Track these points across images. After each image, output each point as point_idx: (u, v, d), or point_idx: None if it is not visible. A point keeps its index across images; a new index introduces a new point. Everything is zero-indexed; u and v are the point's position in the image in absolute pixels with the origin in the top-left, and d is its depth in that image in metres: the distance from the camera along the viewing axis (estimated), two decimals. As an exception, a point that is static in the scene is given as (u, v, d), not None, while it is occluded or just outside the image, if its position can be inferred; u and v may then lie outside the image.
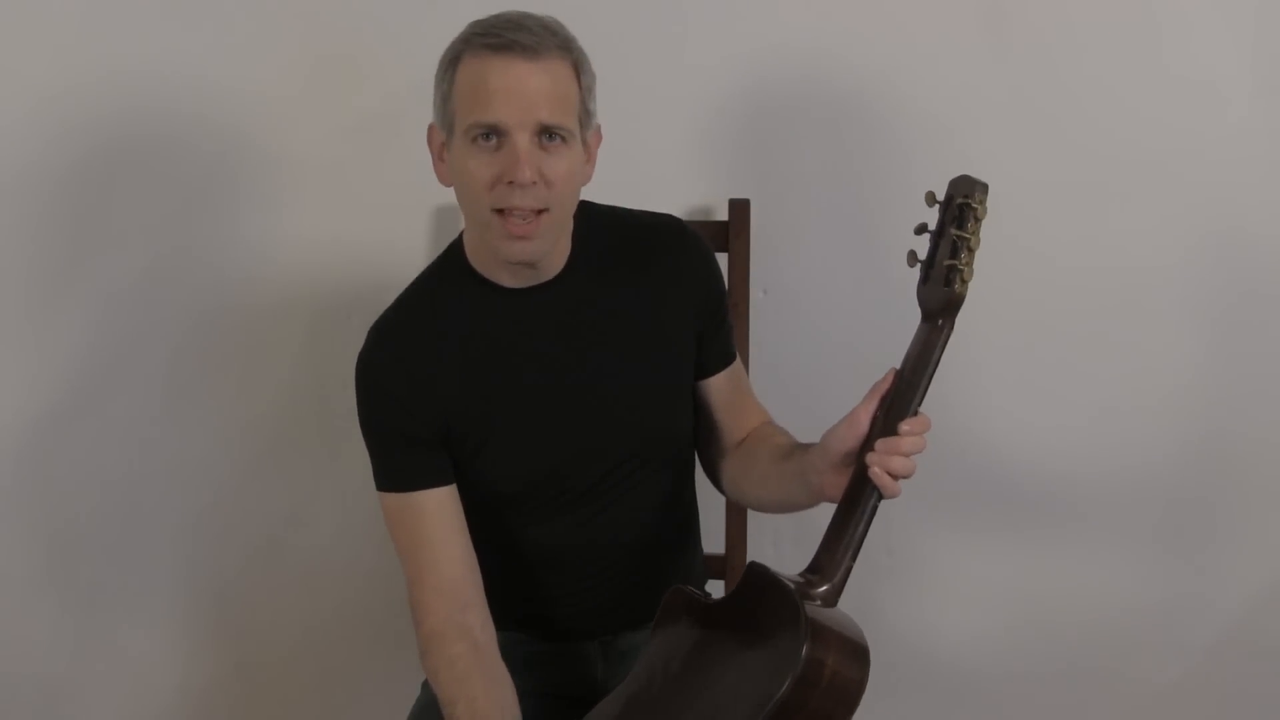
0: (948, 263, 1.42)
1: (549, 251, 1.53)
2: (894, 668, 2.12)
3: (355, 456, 1.87)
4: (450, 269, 1.60)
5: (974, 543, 2.09)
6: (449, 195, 1.97)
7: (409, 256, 2.01)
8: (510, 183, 1.44)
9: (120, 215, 2.03)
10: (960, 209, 1.44)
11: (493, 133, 1.45)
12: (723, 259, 1.93)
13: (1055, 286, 2.00)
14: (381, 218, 2.02)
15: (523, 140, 1.43)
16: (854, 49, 1.96)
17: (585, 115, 1.51)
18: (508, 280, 1.56)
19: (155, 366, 2.05)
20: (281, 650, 2.14)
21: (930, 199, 1.45)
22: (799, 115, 1.99)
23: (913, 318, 2.03)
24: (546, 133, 1.45)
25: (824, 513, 1.94)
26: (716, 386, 1.67)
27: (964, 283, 1.43)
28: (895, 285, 2.03)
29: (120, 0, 1.97)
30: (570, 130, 1.47)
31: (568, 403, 1.57)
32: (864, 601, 2.12)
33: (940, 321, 1.43)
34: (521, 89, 1.43)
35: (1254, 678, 2.08)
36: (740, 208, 1.94)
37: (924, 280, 1.45)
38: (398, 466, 1.57)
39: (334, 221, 2.02)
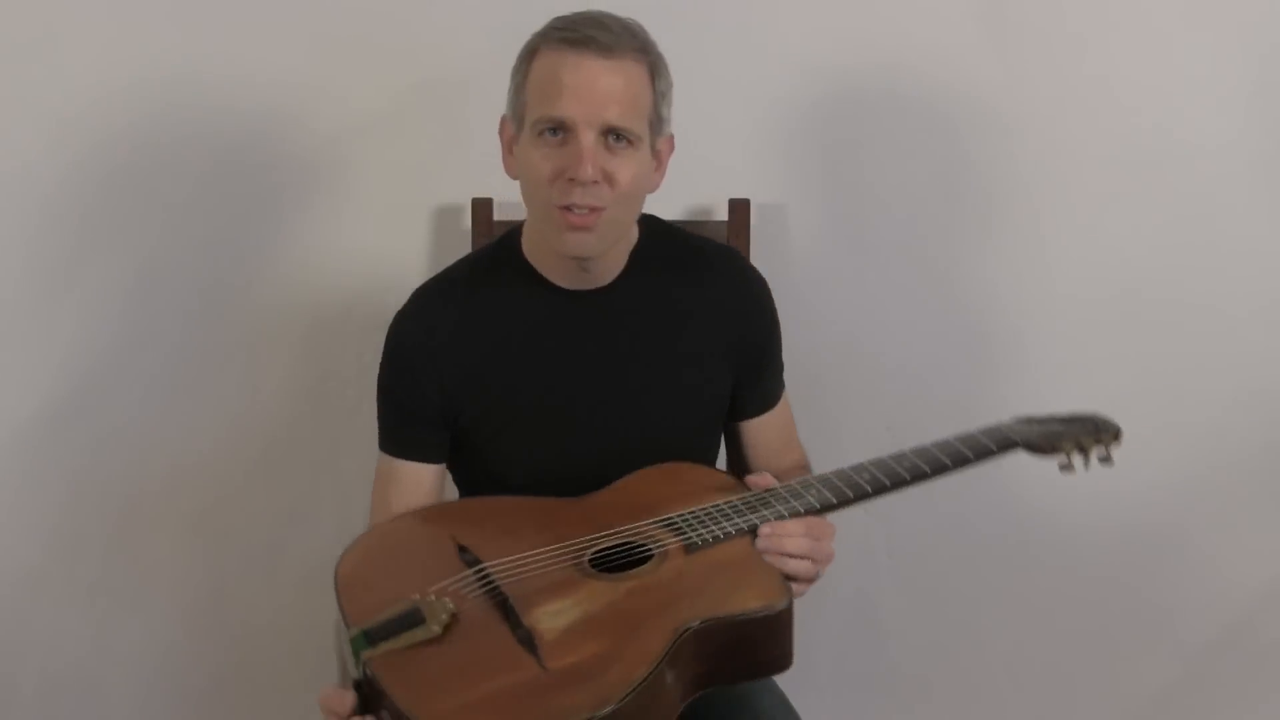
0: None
1: (605, 251, 1.53)
2: (894, 667, 2.13)
3: (355, 456, 1.87)
4: (503, 254, 1.60)
5: (973, 543, 2.09)
6: (449, 195, 2.00)
7: (409, 256, 2.01)
8: (572, 179, 1.44)
9: (120, 215, 2.03)
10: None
11: (559, 128, 1.44)
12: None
13: (1055, 287, 2.00)
14: (381, 218, 2.02)
15: (588, 138, 1.43)
16: (854, 49, 1.96)
17: (656, 121, 1.50)
18: (559, 279, 1.57)
19: (155, 366, 2.05)
20: (281, 650, 2.14)
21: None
22: (799, 115, 1.99)
23: (912, 318, 2.04)
24: (613, 133, 1.45)
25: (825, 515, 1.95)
26: (749, 429, 1.68)
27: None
28: (895, 285, 2.04)
29: (121, 5, 1.97)
30: (638, 134, 1.47)
31: (591, 410, 1.57)
32: (864, 602, 2.14)
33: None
34: (592, 86, 1.43)
35: (1254, 678, 2.09)
36: (740, 208, 1.94)
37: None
38: (392, 430, 1.60)
39: (334, 221, 2.02)
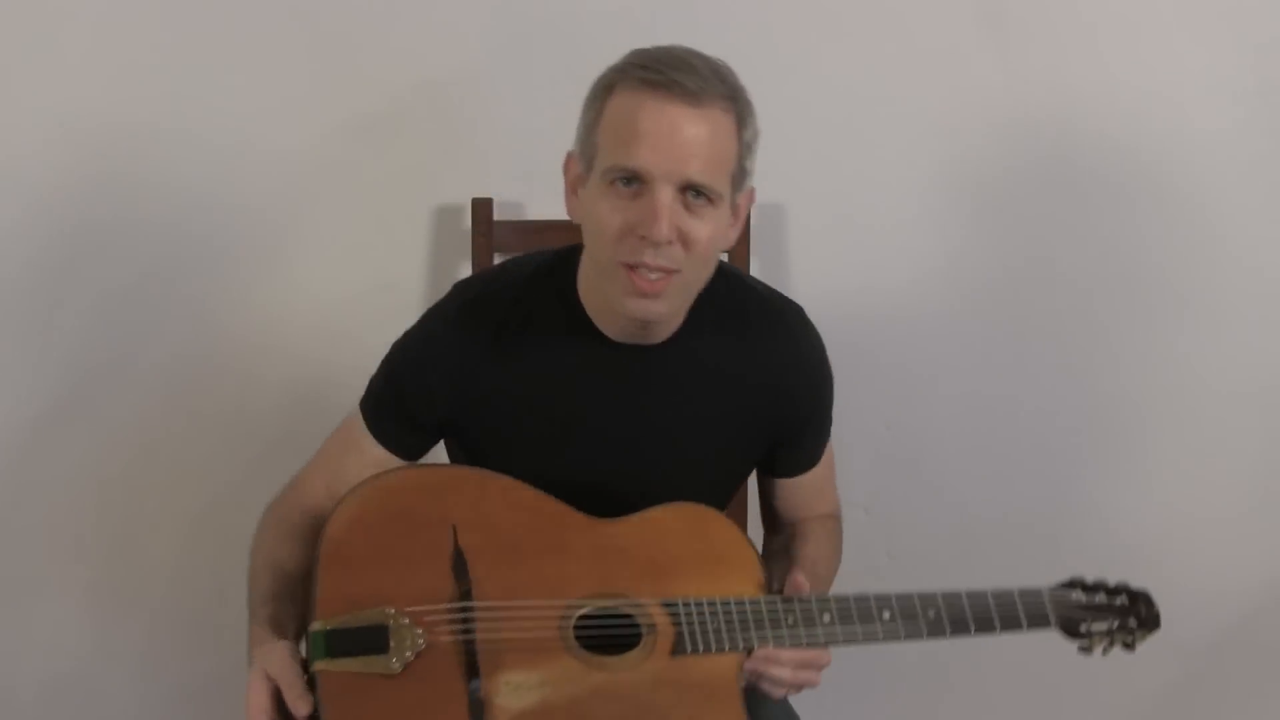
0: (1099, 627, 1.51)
1: (674, 315, 1.42)
2: (895, 667, 2.13)
3: (355, 457, 1.86)
4: (558, 286, 1.47)
5: (973, 544, 2.09)
6: (449, 195, 1.99)
7: (409, 256, 2.01)
8: (643, 237, 1.31)
9: (121, 215, 2.02)
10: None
11: (634, 179, 1.31)
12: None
13: (1055, 286, 2.00)
14: (381, 218, 2.01)
15: (665, 194, 1.30)
16: (854, 49, 1.96)
17: (740, 175, 1.37)
18: (611, 330, 1.44)
19: (155, 366, 2.05)
20: (281, 650, 2.14)
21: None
22: (799, 115, 2.00)
23: (911, 318, 2.04)
24: (693, 190, 1.32)
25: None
26: (780, 482, 1.60)
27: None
28: (894, 285, 2.04)
29: (121, 2, 1.97)
30: (720, 192, 1.33)
31: (612, 460, 1.48)
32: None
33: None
34: (674, 137, 1.29)
35: (1254, 678, 2.09)
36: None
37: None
38: (380, 410, 1.51)
39: (334, 221, 2.02)
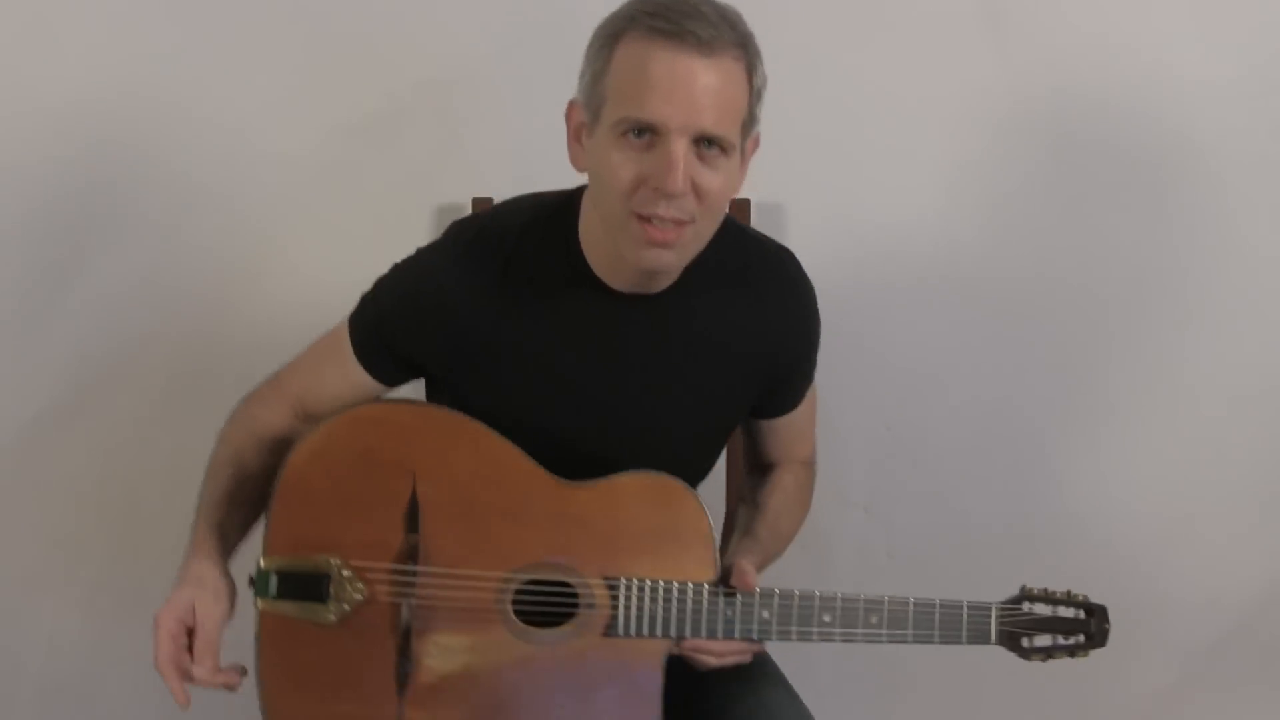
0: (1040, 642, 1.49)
1: (684, 264, 1.41)
2: (895, 667, 2.13)
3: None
4: (559, 234, 1.45)
5: (973, 543, 2.09)
6: (449, 195, 1.99)
7: (409, 257, 2.01)
8: (657, 189, 1.29)
9: (121, 215, 2.03)
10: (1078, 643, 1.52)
11: (646, 130, 1.29)
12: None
13: (1055, 286, 2.00)
14: (381, 218, 2.01)
15: (679, 146, 1.28)
16: (854, 49, 1.96)
17: (750, 122, 1.35)
18: (612, 280, 1.43)
19: (155, 366, 2.05)
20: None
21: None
22: (799, 115, 1.99)
23: (912, 318, 2.04)
24: (706, 140, 1.30)
25: (825, 516, 1.95)
26: (763, 424, 1.61)
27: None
28: (894, 285, 2.04)
29: (121, 2, 1.97)
30: (733, 142, 1.32)
31: (604, 407, 1.48)
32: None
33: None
34: (688, 88, 1.27)
35: (1254, 678, 2.09)
36: (740, 208, 1.94)
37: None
38: (368, 334, 1.52)
39: (334, 221, 2.02)
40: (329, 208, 2.01)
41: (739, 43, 1.31)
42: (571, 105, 1.39)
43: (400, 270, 1.52)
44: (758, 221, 1.95)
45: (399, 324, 1.49)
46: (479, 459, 1.43)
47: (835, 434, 2.02)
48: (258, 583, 1.39)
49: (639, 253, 1.34)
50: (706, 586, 1.42)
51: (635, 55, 1.29)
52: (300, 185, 2.02)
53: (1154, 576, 2.07)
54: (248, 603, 1.43)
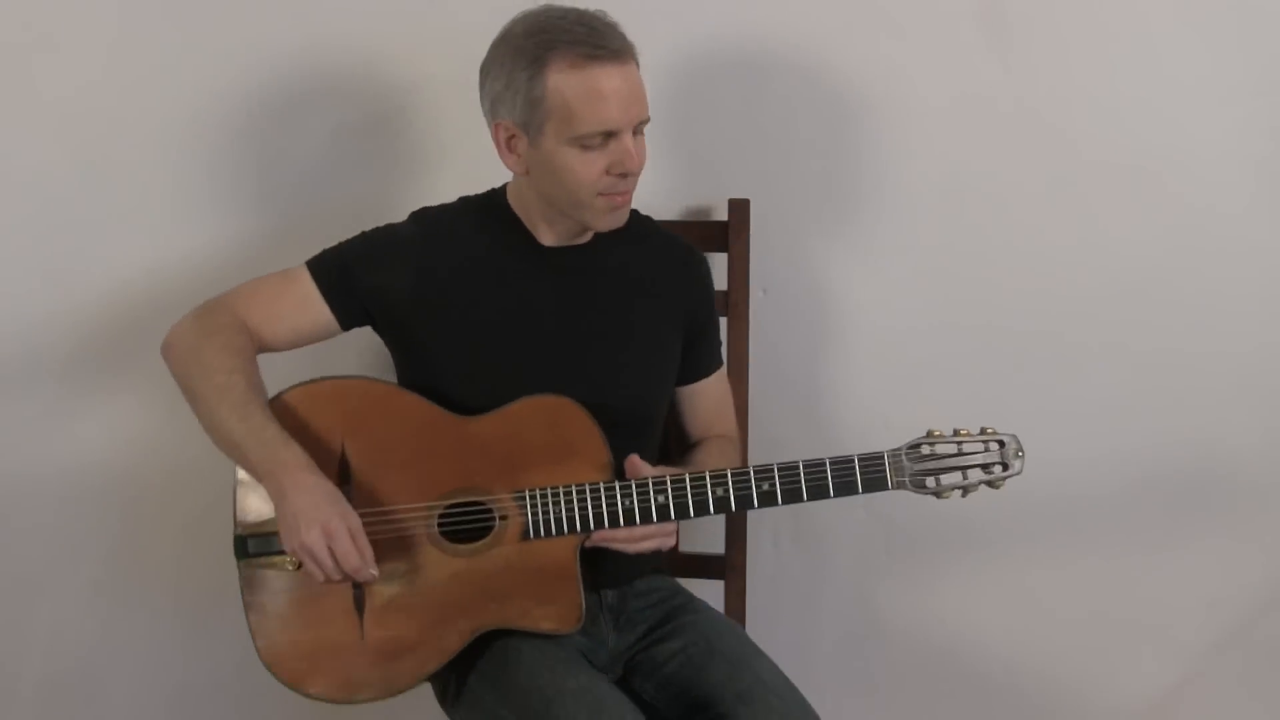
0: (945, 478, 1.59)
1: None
2: (894, 666, 2.13)
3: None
4: (492, 206, 1.72)
5: (973, 543, 2.08)
6: (449, 195, 1.99)
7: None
8: (622, 174, 1.58)
9: (121, 214, 2.03)
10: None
11: (608, 135, 1.56)
12: (722, 259, 1.93)
13: (1055, 286, 2.00)
14: (382, 218, 2.01)
15: (629, 136, 1.57)
16: (854, 49, 1.96)
17: None
18: (544, 236, 1.70)
19: (155, 366, 2.05)
20: (281, 650, 2.14)
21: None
22: (799, 115, 2.00)
23: (912, 317, 2.04)
24: (641, 124, 1.60)
25: (825, 515, 1.95)
26: (684, 395, 1.79)
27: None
28: (893, 285, 2.04)
29: (121, 2, 1.97)
30: (649, 116, 1.62)
31: (551, 351, 1.66)
32: (864, 601, 2.13)
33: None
34: (627, 93, 1.56)
35: (1254, 678, 2.08)
36: (740, 208, 1.94)
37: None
38: (339, 271, 1.68)
39: (335, 221, 2.01)
40: (329, 207, 2.01)
41: (629, 42, 1.58)
42: (498, 127, 1.62)
43: (366, 234, 1.74)
44: (758, 221, 1.95)
45: (369, 261, 1.69)
46: (391, 413, 1.65)
47: (835, 432, 2.02)
48: (236, 547, 1.65)
49: (606, 219, 1.63)
50: (603, 484, 1.59)
51: (577, 80, 1.54)
52: (301, 185, 2.03)
53: (1154, 576, 2.06)
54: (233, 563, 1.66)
